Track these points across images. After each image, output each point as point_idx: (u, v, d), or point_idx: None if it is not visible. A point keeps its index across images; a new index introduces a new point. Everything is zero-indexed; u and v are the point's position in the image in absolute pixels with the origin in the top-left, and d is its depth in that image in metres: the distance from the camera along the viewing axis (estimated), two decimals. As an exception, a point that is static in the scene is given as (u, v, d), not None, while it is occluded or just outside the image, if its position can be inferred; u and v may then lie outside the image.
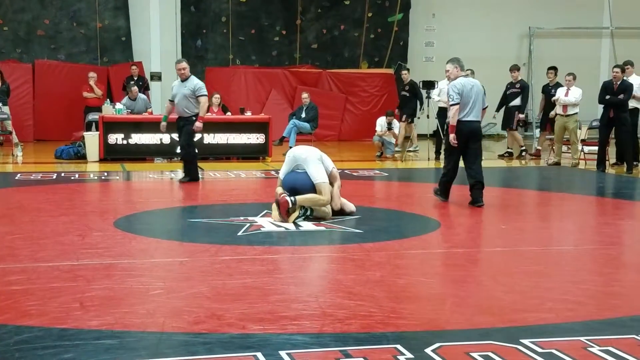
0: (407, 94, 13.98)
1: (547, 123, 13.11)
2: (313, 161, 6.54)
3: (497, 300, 4.11)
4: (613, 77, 10.87)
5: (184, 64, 8.96)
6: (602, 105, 11.10)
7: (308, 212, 6.33)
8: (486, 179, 10.88)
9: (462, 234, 6.33)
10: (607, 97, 10.81)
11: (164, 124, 9.33)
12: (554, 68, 13.28)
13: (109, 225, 6.17)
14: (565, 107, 11.75)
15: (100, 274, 4.53)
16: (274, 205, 6.38)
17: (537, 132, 14.41)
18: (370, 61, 17.69)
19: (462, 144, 7.37)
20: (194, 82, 8.91)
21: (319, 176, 6.47)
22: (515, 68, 13.34)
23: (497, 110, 13.21)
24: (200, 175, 9.50)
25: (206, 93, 9.01)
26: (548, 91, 13.09)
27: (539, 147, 13.70)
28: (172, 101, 9.21)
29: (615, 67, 11.08)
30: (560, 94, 11.82)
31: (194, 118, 8.95)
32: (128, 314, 3.71)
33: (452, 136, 7.34)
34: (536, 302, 4.07)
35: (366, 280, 4.50)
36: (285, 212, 6.24)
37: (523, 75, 18.10)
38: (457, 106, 7.28)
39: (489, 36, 18.60)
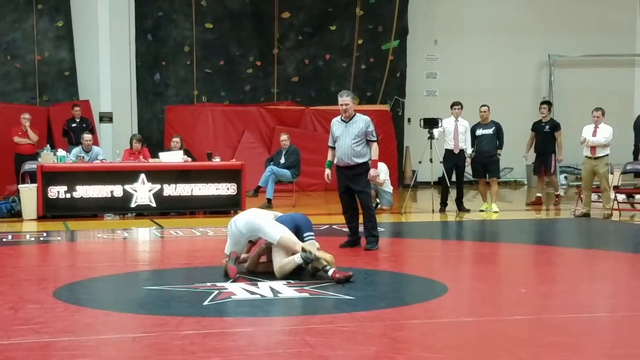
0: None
1: (541, 166, 13.97)
2: (265, 221, 6.82)
3: (517, 378, 4.10)
4: None
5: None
6: None
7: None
8: (504, 233, 11.08)
9: (474, 299, 6.33)
10: None
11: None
12: (548, 103, 14.32)
13: (47, 295, 6.11)
14: (593, 148, 11.88)
15: (35, 354, 4.48)
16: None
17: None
18: (361, 96, 17.94)
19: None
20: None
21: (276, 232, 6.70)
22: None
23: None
24: (158, 234, 9.48)
25: None
26: (540, 128, 13.98)
27: (540, 194, 14.22)
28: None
29: None
30: (587, 133, 11.95)
31: None
32: (69, 402, 3.66)
33: (374, 171, 8.55)
34: (564, 380, 4.06)
35: (358, 356, 4.47)
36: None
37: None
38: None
39: (502, 66, 19.00)
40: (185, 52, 17.58)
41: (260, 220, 6.84)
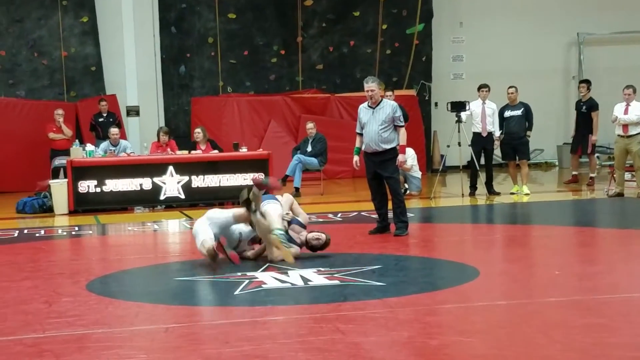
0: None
1: (579, 145, 13.94)
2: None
3: (552, 360, 4.08)
4: None
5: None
6: None
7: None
8: (535, 215, 10.99)
9: (507, 283, 6.30)
10: None
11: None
12: (587, 81, 14.22)
13: (80, 288, 6.19)
14: (625, 126, 11.76)
15: (70, 347, 4.53)
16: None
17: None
18: (387, 81, 17.84)
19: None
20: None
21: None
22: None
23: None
24: (188, 225, 9.54)
25: None
26: (579, 108, 14.06)
27: (576, 173, 14.27)
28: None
29: None
30: (618, 111, 11.83)
31: None
32: (104, 393, 3.70)
33: (402, 156, 8.48)
34: (600, 362, 4.04)
35: (391, 342, 4.47)
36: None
37: (572, 89, 18.27)
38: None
39: (529, 46, 18.76)
40: (210, 43, 17.62)
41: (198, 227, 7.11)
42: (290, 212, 7.34)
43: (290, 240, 7.16)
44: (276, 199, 7.26)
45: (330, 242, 7.21)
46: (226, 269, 6.71)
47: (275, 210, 6.99)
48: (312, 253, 7.22)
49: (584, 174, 14.78)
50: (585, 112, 13.76)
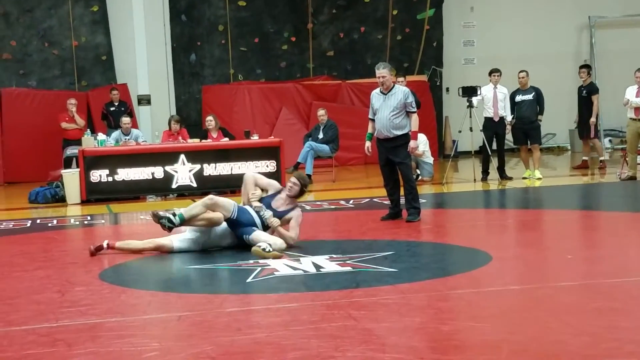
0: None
1: (584, 130, 13.96)
2: None
3: (565, 344, 4.07)
4: None
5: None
6: None
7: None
8: (548, 199, 10.96)
9: (519, 267, 6.29)
10: None
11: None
12: (587, 66, 14.28)
13: (93, 278, 6.21)
14: (637, 109, 11.72)
15: (83, 336, 4.55)
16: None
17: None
18: (398, 67, 17.77)
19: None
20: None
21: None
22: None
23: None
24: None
25: None
26: (580, 93, 14.09)
27: (586, 158, 14.20)
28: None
29: None
30: (630, 94, 11.78)
31: None
32: (117, 381, 3.72)
33: (414, 142, 8.45)
34: (613, 346, 4.02)
35: (403, 328, 4.47)
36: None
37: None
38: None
39: (541, 30, 18.66)
40: (220, 31, 17.59)
41: None
42: (256, 190, 7.24)
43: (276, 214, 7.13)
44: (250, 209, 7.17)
45: (305, 175, 7.15)
46: (239, 256, 6.71)
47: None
48: (324, 240, 7.22)
49: (596, 159, 14.72)
50: (586, 96, 13.78)
